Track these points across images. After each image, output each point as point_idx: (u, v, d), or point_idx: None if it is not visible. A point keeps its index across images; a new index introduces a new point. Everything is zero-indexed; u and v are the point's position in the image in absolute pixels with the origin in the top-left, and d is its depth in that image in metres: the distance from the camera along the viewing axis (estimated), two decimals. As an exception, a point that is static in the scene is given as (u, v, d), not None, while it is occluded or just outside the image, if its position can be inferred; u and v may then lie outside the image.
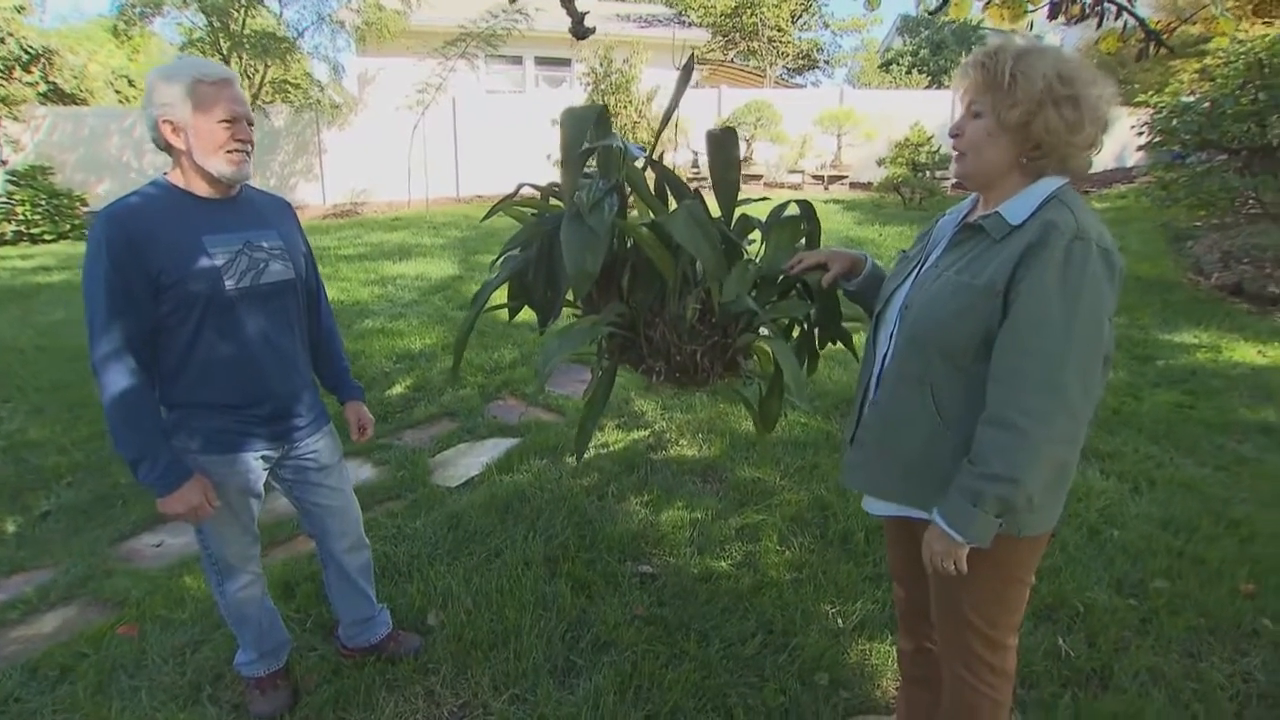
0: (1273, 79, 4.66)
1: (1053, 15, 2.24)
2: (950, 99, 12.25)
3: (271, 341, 1.41)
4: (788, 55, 21.37)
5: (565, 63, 13.51)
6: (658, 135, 1.45)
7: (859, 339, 1.41)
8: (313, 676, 1.73)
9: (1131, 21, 2.21)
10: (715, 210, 1.35)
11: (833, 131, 12.18)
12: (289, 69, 11.31)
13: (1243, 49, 5.01)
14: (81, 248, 8.60)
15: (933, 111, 11.51)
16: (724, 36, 20.22)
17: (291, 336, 1.48)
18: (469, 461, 2.93)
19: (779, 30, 20.25)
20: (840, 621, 1.90)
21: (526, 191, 1.49)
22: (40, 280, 6.63)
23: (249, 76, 10.75)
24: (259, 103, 10.72)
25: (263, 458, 1.46)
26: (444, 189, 11.60)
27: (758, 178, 12.00)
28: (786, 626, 1.87)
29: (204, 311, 1.32)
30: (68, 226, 9.19)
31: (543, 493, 2.59)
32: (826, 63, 24.47)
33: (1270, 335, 4.32)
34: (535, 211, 1.48)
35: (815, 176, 12.22)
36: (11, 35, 10.71)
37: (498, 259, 1.48)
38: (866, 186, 11.31)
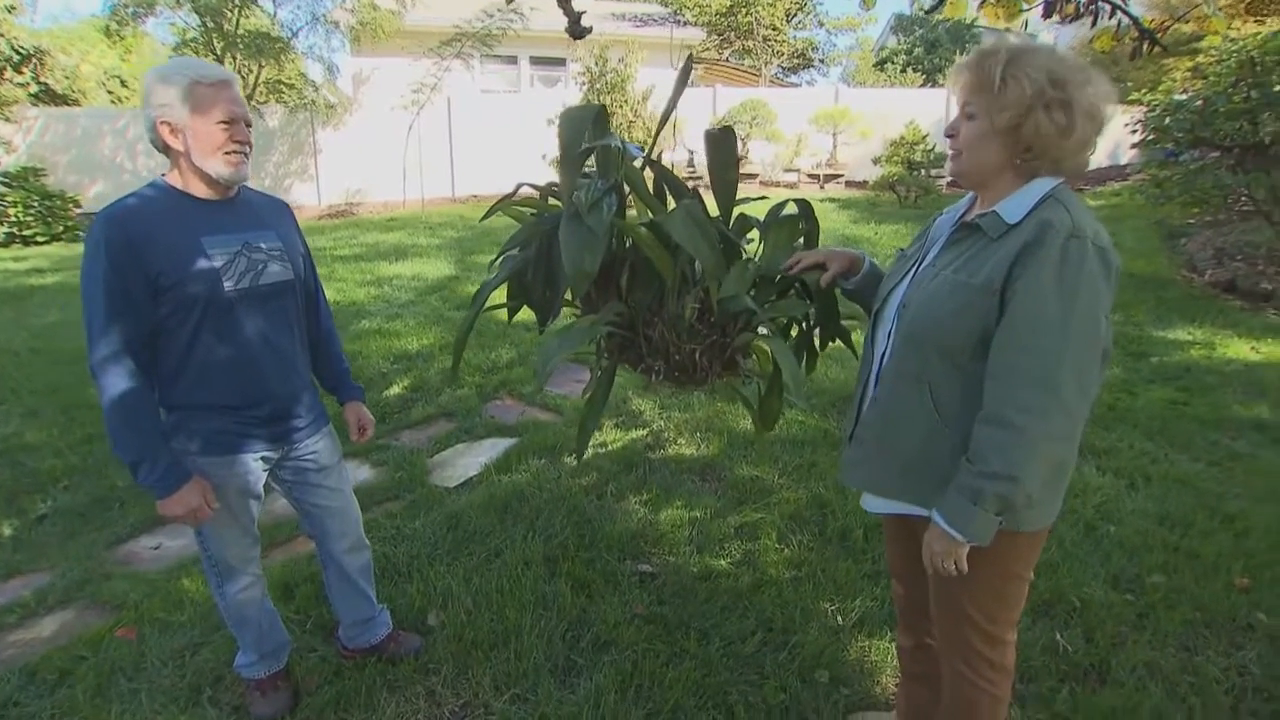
0: (1264, 77, 4.69)
1: (1047, 14, 2.25)
2: (945, 97, 12.29)
3: (271, 342, 1.41)
4: (783, 54, 21.40)
5: (560, 62, 13.49)
6: (656, 135, 1.45)
7: (857, 337, 1.42)
8: (313, 678, 1.73)
9: (1125, 20, 2.22)
10: (714, 209, 1.35)
11: (828, 130, 12.19)
12: (283, 69, 11.26)
13: (1235, 47, 5.05)
14: (75, 249, 8.60)
15: (928, 110, 11.55)
16: (719, 35, 20.24)
17: (290, 337, 1.48)
18: (467, 462, 2.93)
19: (774, 29, 20.28)
20: (840, 619, 1.91)
21: (525, 191, 1.49)
22: (34, 282, 6.60)
23: (243, 77, 10.71)
24: (253, 103, 10.68)
25: (262, 459, 1.46)
26: (439, 189, 11.57)
27: (753, 177, 12.01)
28: (786, 624, 1.88)
29: (203, 313, 1.31)
30: (61, 228, 9.14)
31: (541, 492, 2.59)
32: (821, 61, 24.52)
33: (1263, 332, 4.35)
34: (534, 211, 1.48)
35: (811, 175, 12.24)
36: (2, 35, 10.64)
37: (496, 259, 1.48)
38: (862, 185, 11.34)
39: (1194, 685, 1.69)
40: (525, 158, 10.28)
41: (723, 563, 2.18)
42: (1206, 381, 3.61)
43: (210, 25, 10.37)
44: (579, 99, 10.35)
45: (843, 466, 1.28)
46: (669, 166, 1.46)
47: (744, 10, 19.42)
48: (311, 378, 1.59)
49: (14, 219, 8.82)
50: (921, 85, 19.70)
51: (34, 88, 12.54)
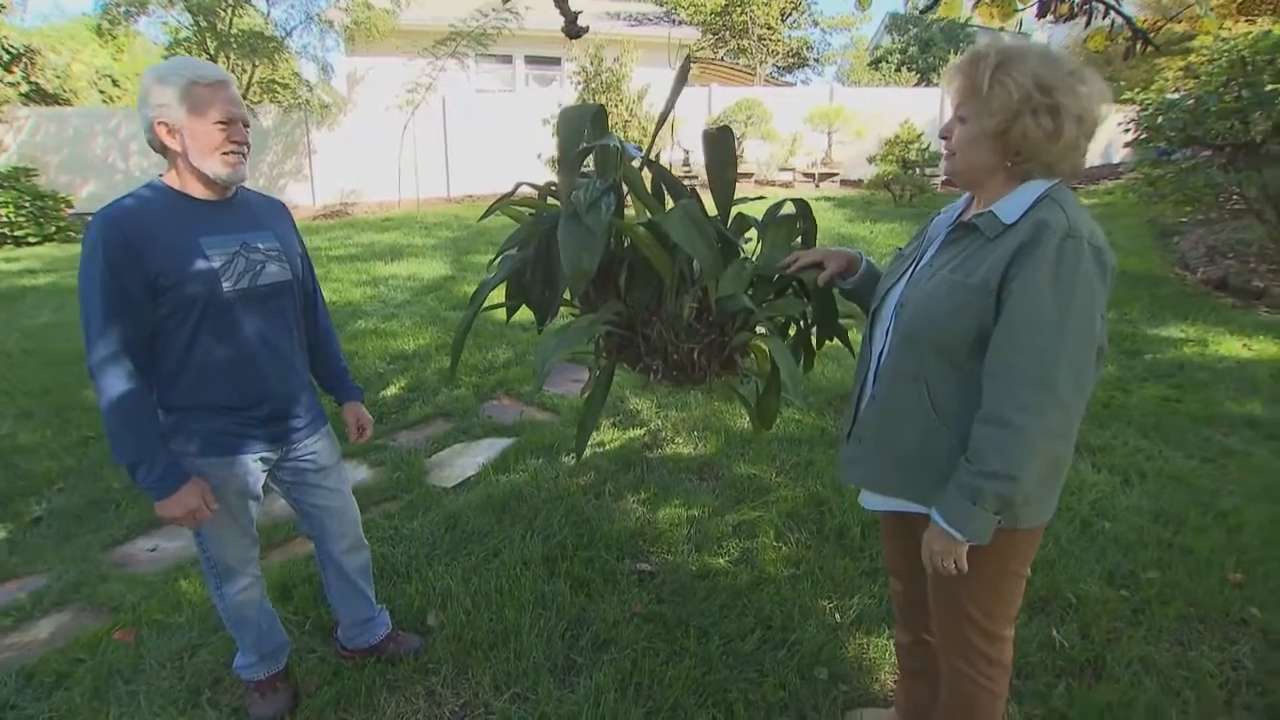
0: (1255, 76, 4.73)
1: (1041, 14, 2.27)
2: (940, 96, 12.32)
3: (269, 343, 1.41)
4: (777, 53, 21.43)
5: (555, 62, 13.48)
6: (654, 135, 1.46)
7: (854, 335, 1.43)
8: (313, 678, 1.72)
9: (1119, 20, 2.24)
10: (712, 209, 1.36)
11: (823, 129, 12.22)
12: (277, 69, 11.22)
13: (1226, 47, 5.08)
14: (68, 250, 8.55)
15: (922, 109, 11.58)
16: (714, 35, 20.25)
17: (289, 338, 1.47)
18: (465, 462, 2.93)
19: (769, 28, 20.31)
20: (838, 616, 1.92)
21: (524, 191, 1.49)
22: (26, 283, 6.55)
23: (237, 76, 10.66)
24: (247, 103, 10.61)
25: (261, 459, 1.45)
26: (434, 189, 11.55)
27: (749, 176, 12.03)
28: (785, 622, 1.89)
29: (202, 313, 1.31)
30: (53, 229, 9.08)
31: (540, 492, 2.59)
32: (816, 60, 24.57)
33: (1255, 329, 4.38)
34: (532, 211, 1.48)
35: (806, 174, 12.27)
36: (-8, 35, 10.57)
37: (495, 258, 1.48)
38: (857, 184, 11.37)
39: (1188, 680, 1.70)
40: (521, 157, 10.27)
41: (721, 561, 2.18)
42: (1199, 379, 3.64)
43: (204, 24, 10.32)
44: (574, 98, 10.34)
45: (841, 464, 1.29)
46: (665, 166, 1.47)
47: (739, 9, 19.44)
48: (310, 378, 1.59)
49: (5, 219, 8.76)
50: (916, 84, 19.77)
51: (24, 87, 12.46)
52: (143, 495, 2.62)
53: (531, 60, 13.59)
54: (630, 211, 1.41)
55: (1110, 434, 3.01)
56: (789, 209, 1.47)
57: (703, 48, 18.55)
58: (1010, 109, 1.02)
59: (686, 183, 1.44)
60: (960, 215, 1.18)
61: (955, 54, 20.38)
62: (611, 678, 1.68)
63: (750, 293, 1.36)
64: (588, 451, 2.91)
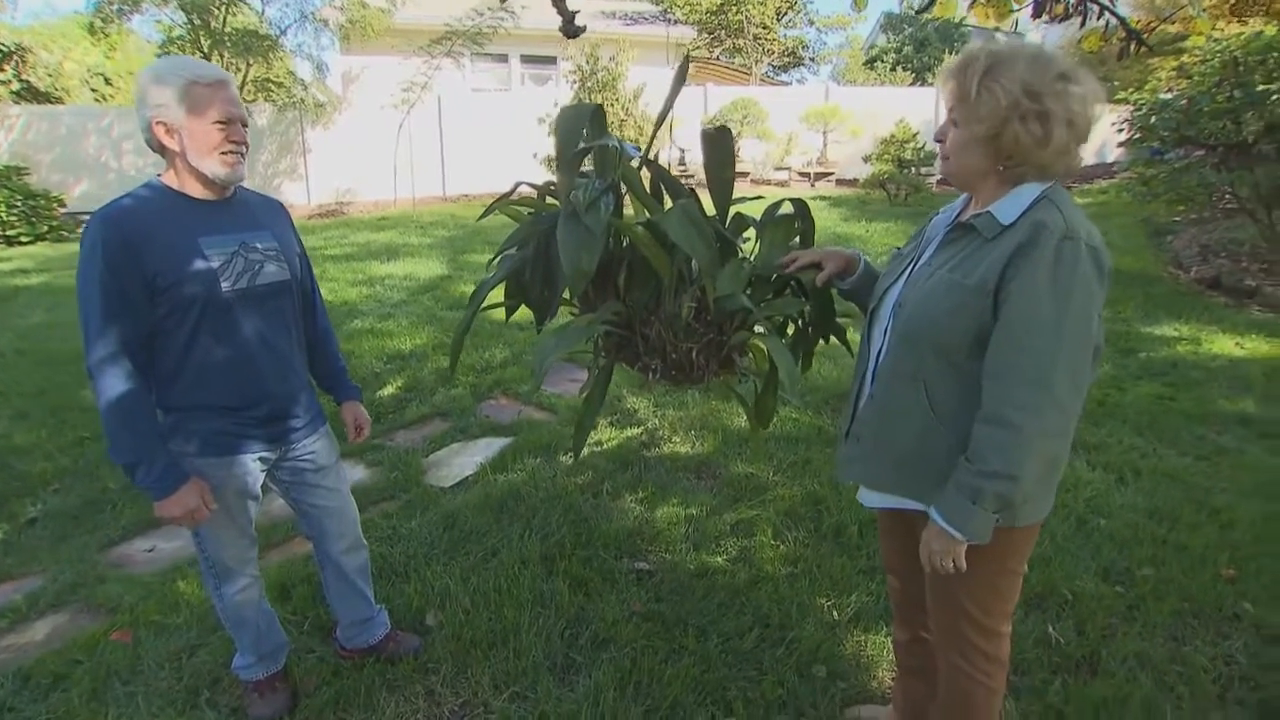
0: (1247, 77, 4.76)
1: (1037, 14, 2.28)
2: (935, 96, 12.37)
3: (268, 343, 1.41)
4: (773, 52, 21.45)
5: (551, 61, 13.46)
6: (653, 135, 1.46)
7: (852, 335, 1.44)
8: (312, 678, 1.72)
9: (1113, 20, 2.25)
10: (710, 209, 1.36)
11: (818, 128, 12.25)
12: (271, 67, 11.18)
13: (1218, 47, 5.11)
14: (61, 250, 8.50)
15: (917, 108, 11.62)
16: (709, 34, 20.26)
17: (288, 338, 1.47)
18: (462, 461, 2.92)
19: (764, 27, 20.32)
20: (836, 614, 1.93)
21: (523, 190, 1.49)
22: (18, 283, 6.51)
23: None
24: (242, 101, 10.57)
25: (260, 459, 1.45)
26: (430, 188, 11.52)
27: (744, 175, 12.04)
28: (783, 620, 1.90)
29: (201, 314, 1.31)
30: (45, 228, 9.02)
31: (537, 491, 2.59)
32: (812, 60, 24.60)
33: (1247, 328, 4.41)
34: (531, 210, 1.48)
35: (802, 173, 12.29)
36: (-18, 32, 10.49)
37: (494, 258, 1.48)
38: (852, 183, 11.40)
39: (1182, 675, 1.72)
40: (516, 156, 10.25)
41: (719, 560, 2.19)
42: (1193, 377, 3.66)
43: (197, 23, 10.27)
44: (570, 97, 10.33)
45: (839, 463, 1.30)
46: (664, 166, 1.47)
47: (734, 8, 19.44)
48: (308, 378, 1.59)
49: (-3, 219, 8.71)
50: (911, 84, 19.82)
51: (15, 85, 12.38)
52: (139, 496, 2.61)
53: (527, 59, 13.57)
54: (629, 211, 1.42)
55: (1105, 432, 3.03)
56: (787, 209, 1.47)
57: (698, 47, 18.56)
58: (998, 115, 1.03)
59: (683, 182, 1.44)
60: (958, 215, 1.19)
61: (950, 53, 20.45)
62: (611, 676, 1.69)
63: (748, 292, 1.37)
64: (585, 451, 2.91)
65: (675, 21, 15.69)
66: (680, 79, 1.42)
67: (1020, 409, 1.00)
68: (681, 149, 11.47)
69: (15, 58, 12.21)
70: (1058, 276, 1.00)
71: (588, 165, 1.41)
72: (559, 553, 2.20)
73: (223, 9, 10.31)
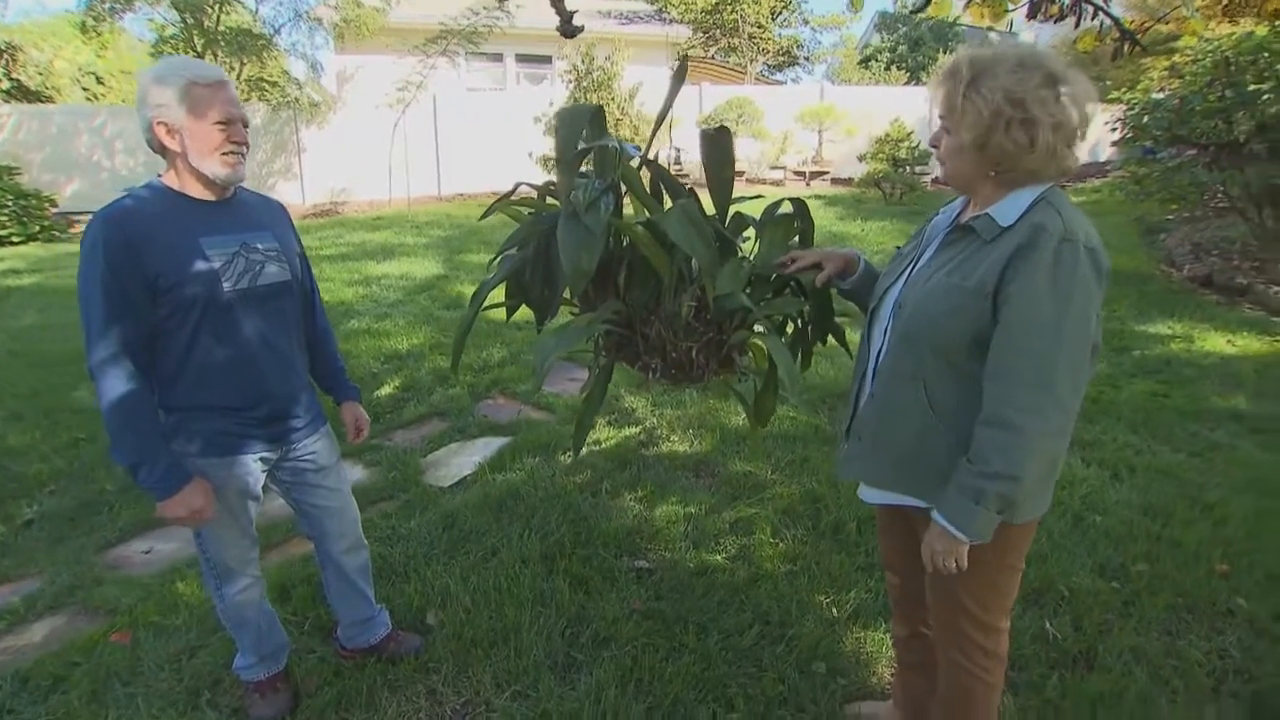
0: (1238, 77, 4.80)
1: (1032, 14, 2.30)
2: (929, 95, 12.39)
3: (269, 343, 1.41)
4: (768, 52, 21.48)
5: (546, 60, 13.44)
6: (653, 135, 1.46)
7: (851, 335, 1.45)
8: (313, 679, 1.72)
9: (1107, 21, 2.27)
10: (709, 208, 1.37)
11: (813, 128, 12.27)
12: (265, 66, 11.11)
13: (1210, 47, 5.15)
14: (53, 250, 8.44)
15: (912, 107, 11.65)
16: (704, 33, 20.27)
17: (289, 338, 1.47)
18: (461, 461, 2.92)
19: (759, 27, 20.35)
20: (835, 611, 1.94)
21: (523, 190, 1.50)
22: (10, 284, 6.47)
23: (224, 74, 10.54)
24: (235, 101, 10.51)
25: (261, 459, 1.45)
26: (425, 188, 11.49)
27: (740, 174, 12.01)
28: (783, 617, 1.91)
29: (202, 314, 1.31)
30: (37, 228, 8.96)
31: (536, 491, 2.60)
32: (806, 59, 24.65)
33: (1239, 325, 4.45)
34: (531, 211, 1.49)
35: (797, 172, 12.32)
36: (-28, 31, 10.41)
37: (495, 258, 1.49)
38: (848, 182, 11.43)
39: (1177, 669, 1.74)
40: (512, 156, 10.24)
41: (718, 558, 2.20)
42: (1186, 374, 3.69)
43: (190, 22, 10.21)
44: (565, 96, 10.32)
45: (840, 460, 1.30)
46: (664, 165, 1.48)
47: (729, 8, 19.46)
48: (309, 378, 1.59)
49: (-12, 219, 8.64)
50: (906, 83, 19.87)
51: (5, 84, 12.28)
52: (136, 497, 2.61)
53: (522, 59, 13.55)
54: (629, 211, 1.42)
55: (1100, 429, 3.05)
56: (786, 208, 1.48)
57: (693, 46, 18.56)
58: (983, 124, 1.04)
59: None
60: (958, 217, 1.20)
61: (944, 53, 20.52)
62: (612, 674, 1.69)
63: (748, 291, 1.37)
64: (584, 450, 2.92)
65: (671, 21, 15.69)
66: (679, 79, 1.42)
67: (1021, 410, 1.01)
68: (677, 148, 11.47)
69: (5, 56, 12.12)
70: (1057, 279, 1.01)
71: (588, 165, 1.42)
72: (559, 552, 2.21)
73: (216, 8, 10.25)
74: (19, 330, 4.94)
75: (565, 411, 3.36)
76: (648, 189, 1.40)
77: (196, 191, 1.34)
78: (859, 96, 13.02)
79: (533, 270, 1.42)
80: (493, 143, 11.22)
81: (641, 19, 14.55)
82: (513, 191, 1.49)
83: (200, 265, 1.29)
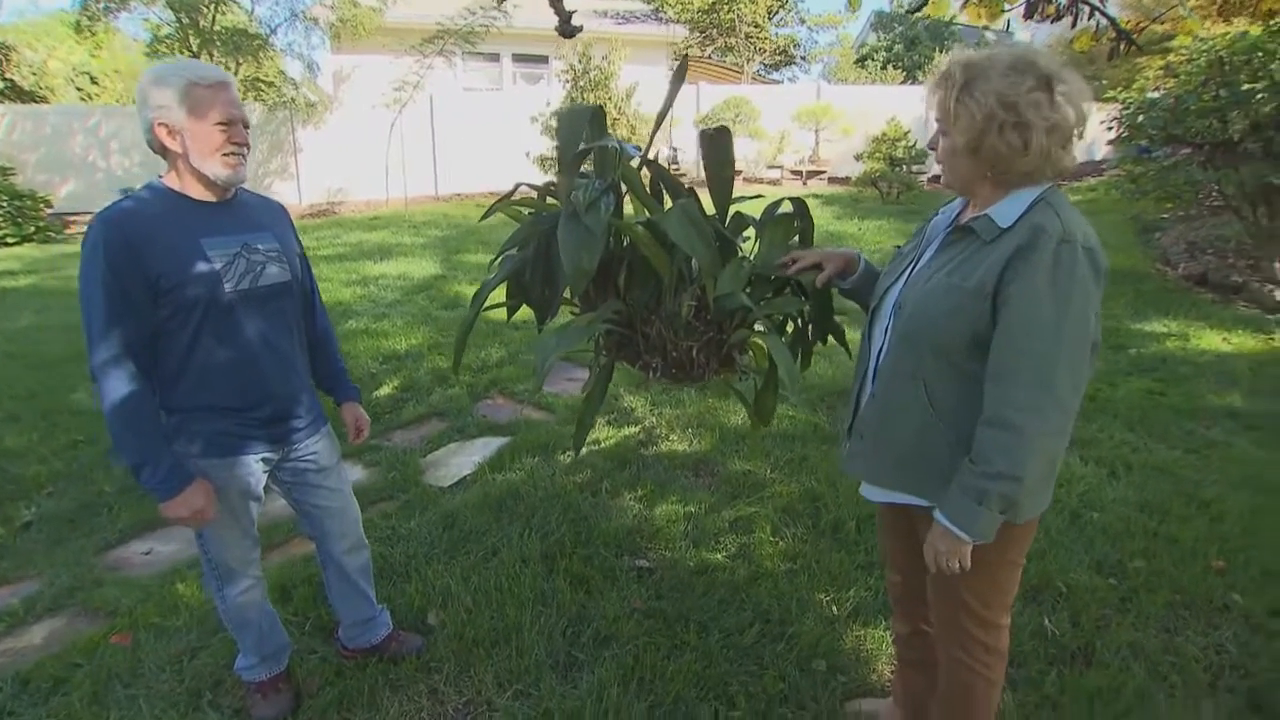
0: (1232, 76, 4.82)
1: (1029, 14, 2.31)
2: (925, 94, 12.41)
3: (270, 344, 1.41)
4: (765, 51, 21.49)
5: (543, 60, 13.43)
6: (653, 135, 1.47)
7: (852, 334, 1.45)
8: (314, 679, 1.72)
9: (1104, 21, 2.28)
10: (709, 208, 1.37)
11: (810, 127, 12.29)
12: (261, 66, 11.08)
13: (1204, 47, 5.17)
14: (48, 251, 8.41)
15: (908, 106, 11.67)
16: (701, 33, 20.26)
17: (290, 339, 1.47)
18: (460, 461, 2.93)
19: (756, 26, 20.35)
20: (835, 609, 1.94)
21: (523, 191, 1.50)
22: (6, 285, 6.44)
23: (219, 74, 10.50)
24: (230, 101, 10.47)
25: (263, 460, 1.45)
26: (422, 188, 11.48)
27: (737, 173, 11.98)
28: (783, 615, 1.91)
29: (203, 315, 1.31)
30: (31, 229, 8.92)
31: (536, 490, 2.60)
32: (803, 58, 24.66)
33: (1234, 323, 4.48)
34: (532, 211, 1.49)
35: (794, 172, 12.33)
36: (-35, 31, 10.36)
37: (496, 258, 1.49)
38: (844, 181, 11.45)
39: (1175, 664, 1.75)
40: (509, 156, 10.23)
41: (719, 556, 2.20)
42: (1181, 372, 3.72)
43: (186, 21, 10.17)
44: (562, 96, 10.32)
45: (844, 457, 1.31)
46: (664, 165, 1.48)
47: (726, 7, 19.46)
48: (310, 379, 1.59)
49: (-17, 220, 8.60)
50: (902, 82, 19.91)
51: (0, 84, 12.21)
52: (135, 499, 2.60)
53: (519, 58, 13.54)
54: (629, 210, 1.43)
55: (1097, 427, 3.07)
56: (786, 208, 1.49)
57: (690, 46, 18.56)
58: (976, 128, 1.05)
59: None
60: (957, 217, 1.21)
61: (940, 52, 20.57)
62: (613, 673, 1.70)
63: (748, 291, 1.38)
64: (583, 449, 2.92)
65: (667, 20, 15.69)
66: (679, 79, 1.43)
67: (1022, 410, 1.02)
68: (674, 148, 11.48)
69: (-1, 56, 12.07)
70: (1056, 280, 1.01)
71: (588, 165, 1.42)
72: (559, 551, 2.21)
73: (211, 7, 10.22)
74: (15, 332, 4.92)
75: (564, 411, 3.36)
76: (648, 189, 1.41)
77: (197, 192, 1.34)
78: (855, 96, 13.04)
79: (533, 270, 1.43)
80: (490, 143, 11.21)
81: (638, 19, 14.54)
82: (513, 192, 1.49)
83: (201, 266, 1.29)
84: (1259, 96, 4.56)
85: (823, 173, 12.38)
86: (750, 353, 1.48)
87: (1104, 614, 1.93)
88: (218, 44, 10.18)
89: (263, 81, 11.13)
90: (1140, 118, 5.47)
